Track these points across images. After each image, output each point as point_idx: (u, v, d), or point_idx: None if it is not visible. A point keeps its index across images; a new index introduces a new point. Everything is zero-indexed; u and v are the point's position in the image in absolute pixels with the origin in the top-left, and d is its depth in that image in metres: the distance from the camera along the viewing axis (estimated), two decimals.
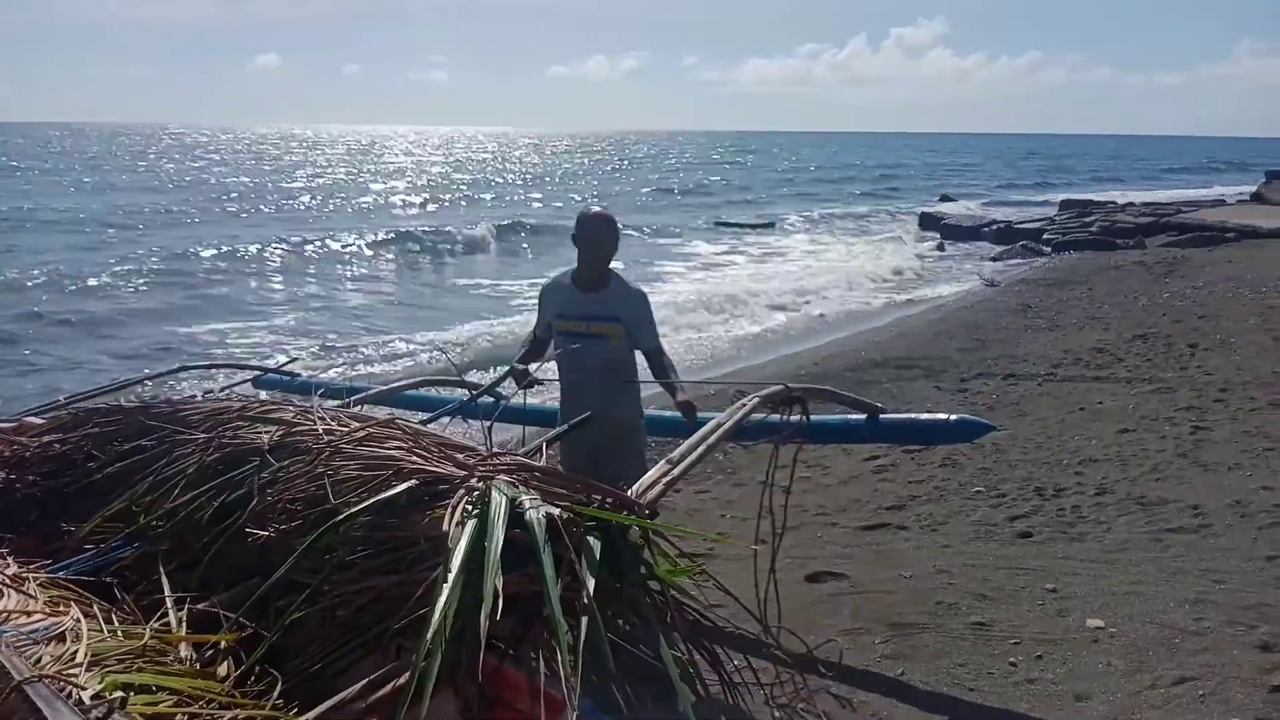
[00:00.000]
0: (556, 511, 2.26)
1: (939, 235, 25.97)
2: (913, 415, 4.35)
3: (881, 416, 4.03)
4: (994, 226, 25.76)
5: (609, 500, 2.43)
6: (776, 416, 3.87)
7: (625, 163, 75.72)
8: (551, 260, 18.22)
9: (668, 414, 4.37)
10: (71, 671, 1.85)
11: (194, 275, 18.67)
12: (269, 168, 59.52)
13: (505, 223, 27.23)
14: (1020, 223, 26.56)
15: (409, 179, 51.28)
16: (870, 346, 10.89)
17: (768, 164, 75.50)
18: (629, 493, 2.66)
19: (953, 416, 4.05)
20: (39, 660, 1.88)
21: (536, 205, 36.23)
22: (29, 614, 2.18)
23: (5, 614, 2.11)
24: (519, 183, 50.05)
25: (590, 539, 2.26)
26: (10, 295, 15.71)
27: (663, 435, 4.55)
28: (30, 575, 2.56)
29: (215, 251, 21.20)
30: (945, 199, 41.39)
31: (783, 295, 16.07)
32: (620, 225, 4.36)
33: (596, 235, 4.13)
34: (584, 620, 2.06)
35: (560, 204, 36.23)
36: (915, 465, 6.40)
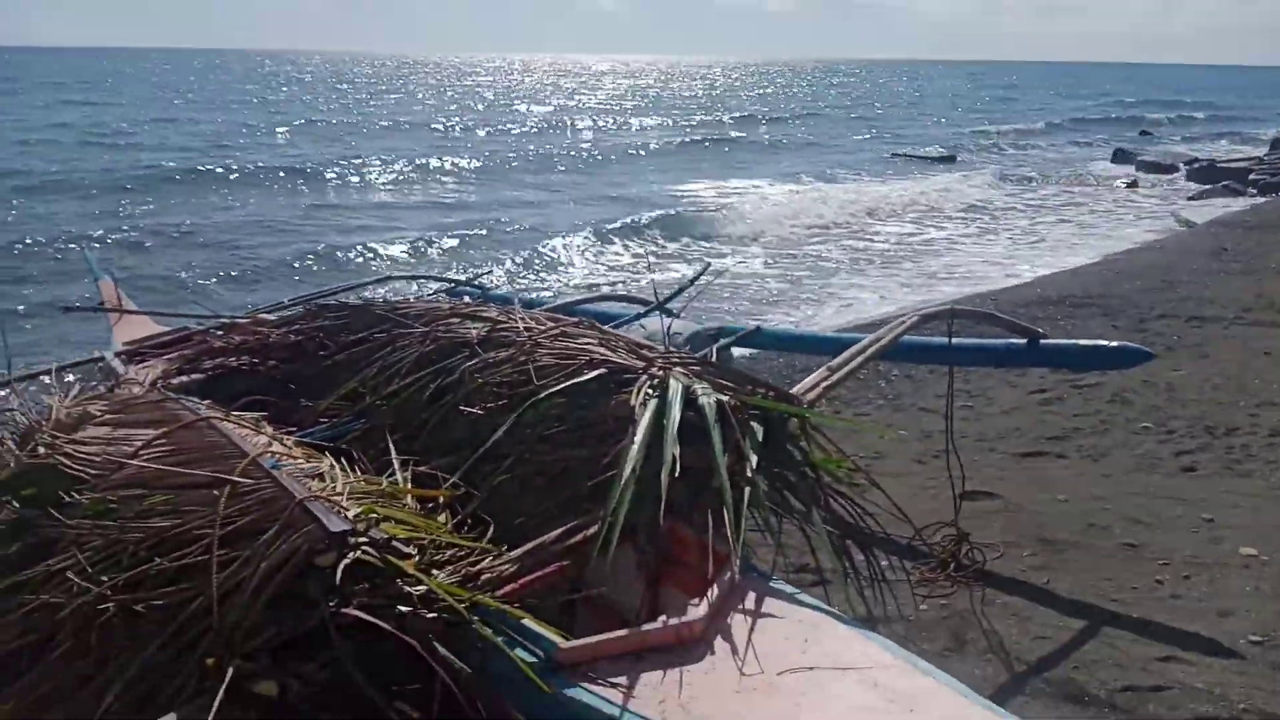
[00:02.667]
0: (725, 398, 2.59)
1: (1134, 171, 24.67)
2: (1073, 340, 4.42)
3: (1042, 341, 4.15)
4: (1195, 165, 24.25)
5: (771, 393, 2.74)
6: (941, 339, 4.06)
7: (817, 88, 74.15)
8: None
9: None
10: (336, 498, 2.31)
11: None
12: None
13: None
14: (1224, 161, 24.89)
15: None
16: (1045, 283, 10.69)
17: (949, 94, 72.62)
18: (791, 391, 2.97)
19: (1113, 342, 4.13)
20: (311, 488, 2.35)
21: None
22: (294, 459, 2.68)
23: (279, 456, 2.61)
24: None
25: (754, 425, 2.58)
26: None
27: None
28: (287, 436, 3.09)
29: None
30: (1144, 134, 39.04)
31: (955, 229, 15.80)
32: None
33: None
34: (746, 489, 2.39)
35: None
36: (1082, 400, 6.41)
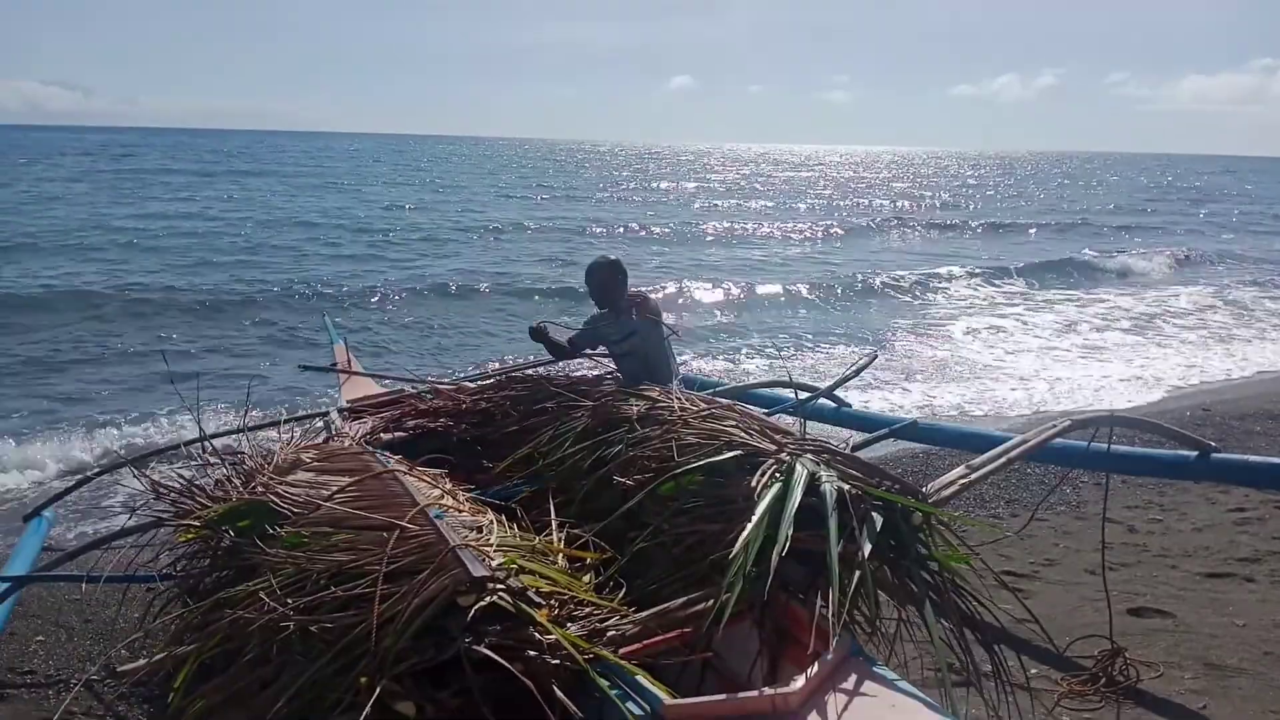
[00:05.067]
0: (847, 487, 2.75)
1: None
2: (1246, 457, 4.23)
3: (1214, 455, 4.02)
4: None
5: (896, 486, 2.87)
6: (1103, 445, 4.02)
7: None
8: None
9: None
10: (485, 548, 2.63)
11: None
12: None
13: None
14: None
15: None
16: (1274, 396, 10.00)
17: (1197, 189, 68.36)
18: (925, 486, 3.08)
19: None
20: (465, 537, 2.68)
21: None
22: (459, 512, 3.03)
23: (446, 508, 2.97)
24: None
25: (874, 514, 2.72)
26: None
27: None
28: (460, 492, 3.47)
29: None
30: None
31: (1184, 339, 14.95)
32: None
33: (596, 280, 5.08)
34: (856, 573, 2.54)
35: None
36: None
